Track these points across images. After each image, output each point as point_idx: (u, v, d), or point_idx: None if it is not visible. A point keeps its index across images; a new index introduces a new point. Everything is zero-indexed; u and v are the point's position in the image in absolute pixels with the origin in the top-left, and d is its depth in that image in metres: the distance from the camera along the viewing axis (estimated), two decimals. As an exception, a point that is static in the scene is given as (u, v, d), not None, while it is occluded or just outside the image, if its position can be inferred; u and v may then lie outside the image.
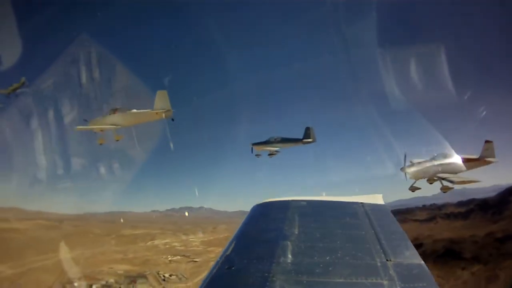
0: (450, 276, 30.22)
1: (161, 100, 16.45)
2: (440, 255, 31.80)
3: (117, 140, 18.63)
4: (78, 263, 33.91)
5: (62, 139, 26.98)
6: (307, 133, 21.24)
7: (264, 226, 3.63)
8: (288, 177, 39.33)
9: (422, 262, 2.68)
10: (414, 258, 2.77)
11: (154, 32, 39.61)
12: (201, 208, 46.17)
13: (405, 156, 17.50)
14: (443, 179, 16.51)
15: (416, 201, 37.95)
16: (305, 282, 2.41)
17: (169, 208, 46.45)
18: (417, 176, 17.54)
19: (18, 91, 22.93)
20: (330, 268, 2.57)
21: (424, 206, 37.93)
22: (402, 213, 39.28)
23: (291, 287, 2.36)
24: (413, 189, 18.34)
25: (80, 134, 21.59)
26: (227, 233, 37.87)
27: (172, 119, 16.92)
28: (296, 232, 3.21)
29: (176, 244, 40.13)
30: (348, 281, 2.41)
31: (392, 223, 3.54)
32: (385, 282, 2.39)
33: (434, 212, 37.00)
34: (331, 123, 37.58)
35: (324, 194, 4.55)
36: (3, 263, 31.25)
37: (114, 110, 17.79)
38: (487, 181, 33.73)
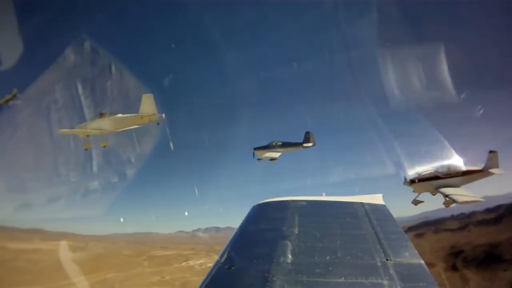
0: (495, 278, 31.84)
1: (147, 104, 15.95)
2: (482, 260, 33.56)
3: (104, 146, 17.84)
4: (114, 286, 30.89)
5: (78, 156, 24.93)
6: (307, 137, 21.61)
7: (264, 226, 3.60)
8: (287, 177, 37.88)
9: (422, 261, 2.68)
10: (414, 258, 2.76)
11: (153, 32, 38.98)
12: (228, 228, 44.76)
13: (404, 178, 17.34)
14: (446, 196, 16.11)
15: (442, 212, 36.91)
16: (305, 282, 2.41)
17: (195, 228, 44.61)
18: (420, 190, 17.26)
19: (10, 102, 22.61)
20: (330, 268, 2.57)
21: (452, 216, 37.83)
22: (432, 224, 40.61)
23: (291, 287, 2.35)
24: (416, 202, 17.76)
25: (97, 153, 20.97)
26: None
27: (158, 123, 16.28)
28: (296, 232, 3.21)
29: (211, 264, 37.99)
30: (348, 281, 2.41)
31: (392, 223, 3.51)
32: (385, 282, 2.39)
33: (464, 220, 37.11)
34: (331, 123, 37.72)
35: (324, 194, 4.55)
36: (32, 286, 27.63)
37: (101, 115, 17.01)
38: (503, 189, 32.96)
